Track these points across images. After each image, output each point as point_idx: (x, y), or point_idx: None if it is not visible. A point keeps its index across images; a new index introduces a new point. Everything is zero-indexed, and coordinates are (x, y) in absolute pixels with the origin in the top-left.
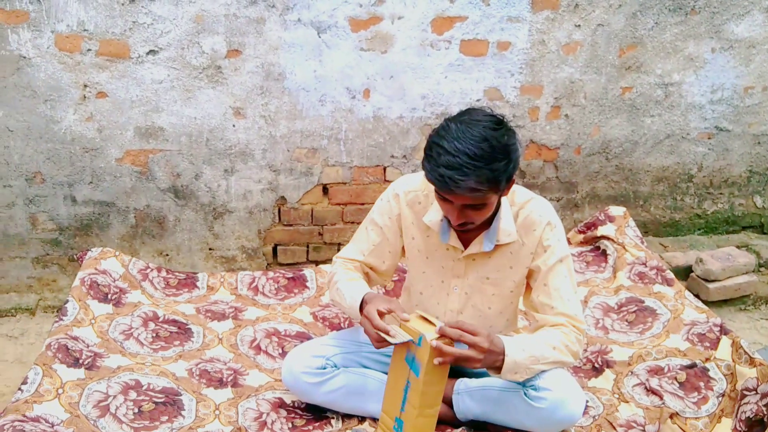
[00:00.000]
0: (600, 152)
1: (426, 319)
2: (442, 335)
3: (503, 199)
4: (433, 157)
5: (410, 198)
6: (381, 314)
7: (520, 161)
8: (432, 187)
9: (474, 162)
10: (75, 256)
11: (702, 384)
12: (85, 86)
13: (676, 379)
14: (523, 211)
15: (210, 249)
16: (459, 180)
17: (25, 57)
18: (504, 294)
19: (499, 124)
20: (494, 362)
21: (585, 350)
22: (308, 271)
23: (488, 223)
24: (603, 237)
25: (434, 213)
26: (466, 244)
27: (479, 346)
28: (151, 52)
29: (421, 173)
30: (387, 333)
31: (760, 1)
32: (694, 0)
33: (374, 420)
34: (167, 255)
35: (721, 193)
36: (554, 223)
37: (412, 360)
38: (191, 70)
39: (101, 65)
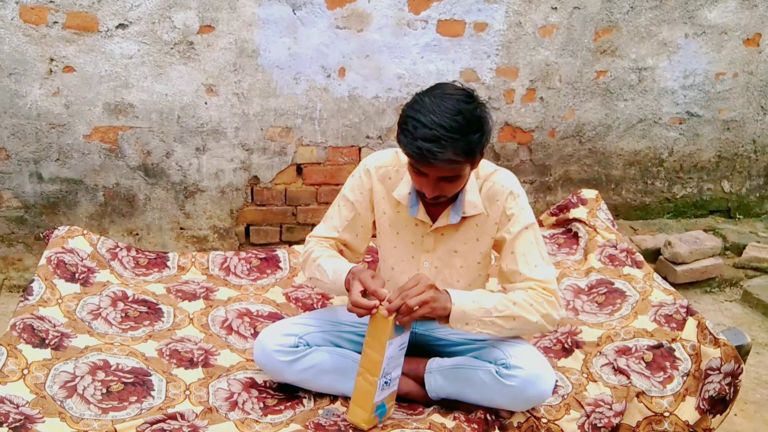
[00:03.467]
0: (574, 135)
1: None
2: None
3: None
4: (409, 131)
5: (381, 173)
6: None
7: (495, 143)
8: (402, 163)
9: (451, 134)
10: (41, 235)
11: (668, 364)
12: (52, 60)
13: (642, 359)
14: (487, 183)
15: (181, 228)
16: (437, 152)
17: None
18: (471, 266)
19: (470, 97)
20: (444, 310)
21: (555, 331)
22: (281, 252)
23: (454, 197)
24: (575, 219)
25: (403, 187)
26: (433, 218)
27: (421, 293)
28: (121, 26)
29: (391, 150)
30: (370, 308)
31: None
32: None
33: (346, 399)
34: (137, 234)
35: (690, 178)
36: (516, 192)
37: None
38: (162, 45)
39: (68, 38)
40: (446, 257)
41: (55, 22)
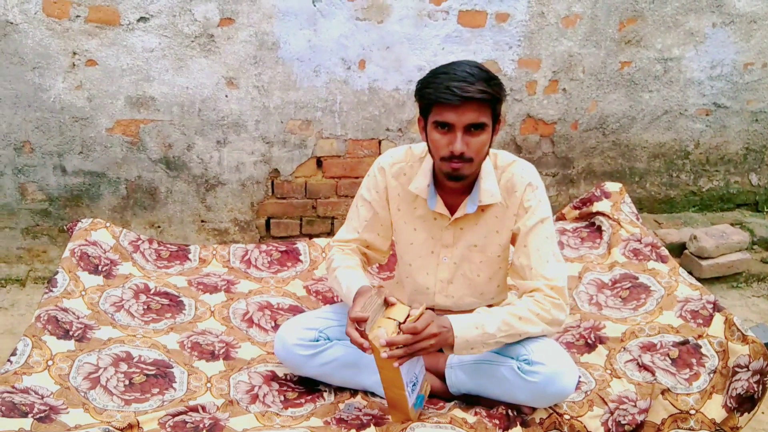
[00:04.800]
0: (597, 128)
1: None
2: (391, 343)
3: (486, 162)
4: (436, 82)
5: (395, 170)
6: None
7: (517, 135)
8: (416, 157)
9: (478, 73)
10: (65, 227)
11: (694, 360)
12: (74, 54)
13: (668, 355)
14: (506, 173)
15: (202, 221)
16: (468, 87)
17: (11, 23)
18: (492, 259)
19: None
20: (447, 341)
21: (578, 326)
22: (301, 245)
23: (470, 187)
24: (598, 213)
25: (420, 180)
26: (452, 212)
27: (428, 334)
28: (142, 19)
29: (404, 146)
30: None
31: None
32: None
33: (366, 393)
34: (159, 227)
35: (716, 171)
36: (535, 184)
37: None
38: (183, 38)
39: (90, 32)
40: (466, 252)
41: (78, 16)
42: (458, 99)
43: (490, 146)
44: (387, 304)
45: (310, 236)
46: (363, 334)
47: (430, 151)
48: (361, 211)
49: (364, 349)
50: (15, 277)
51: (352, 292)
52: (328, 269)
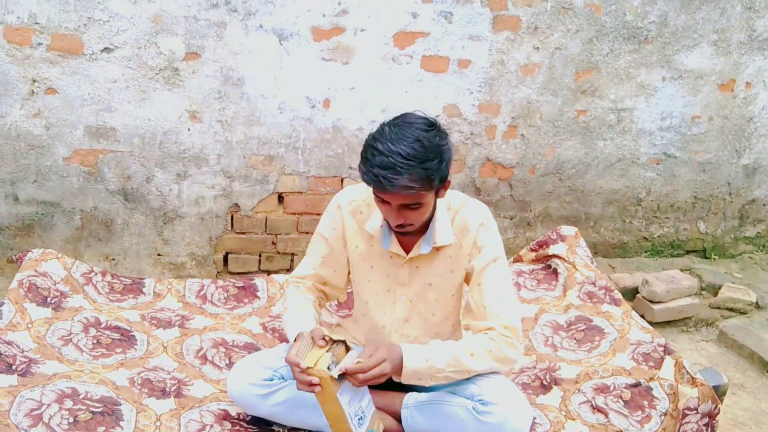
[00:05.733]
0: (554, 173)
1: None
2: (348, 373)
3: (439, 203)
4: (368, 159)
5: (352, 207)
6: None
7: (476, 178)
8: (372, 196)
9: (407, 161)
10: (14, 257)
11: (646, 402)
12: (34, 81)
13: (621, 397)
14: (459, 214)
15: (158, 255)
16: (392, 179)
17: None
18: (446, 299)
19: (431, 125)
20: (398, 369)
21: (534, 367)
22: (259, 281)
23: (425, 227)
24: (554, 256)
25: (375, 220)
26: (407, 251)
27: (381, 371)
28: (106, 49)
29: (363, 184)
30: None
31: (709, 35)
32: (647, 30)
33: None
34: (113, 259)
35: (667, 218)
36: (487, 224)
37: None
38: (147, 70)
39: (52, 60)
40: (421, 290)
41: (40, 44)
42: (383, 189)
43: (435, 204)
44: (326, 341)
45: (269, 272)
46: (305, 372)
47: None
48: (318, 247)
49: (312, 386)
50: None
51: (292, 339)
52: (283, 309)
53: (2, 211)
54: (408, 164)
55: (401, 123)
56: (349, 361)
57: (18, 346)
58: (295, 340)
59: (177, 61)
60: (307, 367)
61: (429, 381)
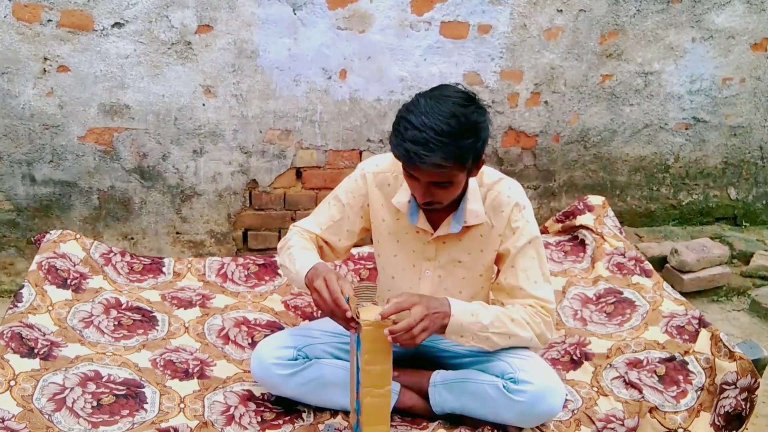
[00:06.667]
0: (578, 140)
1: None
2: (384, 317)
3: (471, 180)
4: (399, 132)
5: (379, 179)
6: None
7: (498, 147)
8: (401, 168)
9: (441, 138)
10: (33, 239)
11: (681, 377)
12: (46, 59)
13: (655, 372)
14: (492, 192)
15: (177, 233)
16: (424, 155)
17: None
18: (474, 278)
19: (469, 100)
20: (442, 323)
21: (563, 341)
22: (279, 243)
23: (456, 204)
24: (581, 226)
25: (402, 194)
26: (435, 226)
27: (416, 315)
28: (117, 24)
29: (390, 154)
30: (340, 306)
31: None
32: None
33: (347, 413)
34: (132, 239)
35: (696, 185)
36: (522, 204)
37: (357, 342)
38: (159, 45)
39: (63, 37)
40: (449, 266)
41: (50, 20)
42: (414, 166)
43: (467, 182)
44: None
45: None
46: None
47: None
48: (332, 210)
49: (347, 322)
50: None
51: (304, 269)
52: (282, 248)
53: (20, 192)
54: (441, 141)
55: (437, 95)
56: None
57: (39, 330)
58: (314, 271)
59: (189, 34)
60: (360, 319)
61: (470, 340)
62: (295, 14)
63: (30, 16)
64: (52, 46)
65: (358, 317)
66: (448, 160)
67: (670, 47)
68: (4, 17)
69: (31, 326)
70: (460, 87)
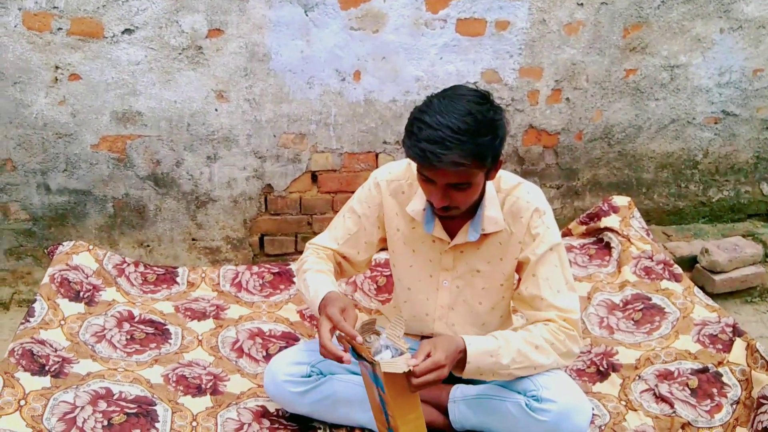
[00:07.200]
0: (602, 138)
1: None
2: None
3: (488, 186)
4: (414, 133)
5: (393, 187)
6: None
7: (519, 146)
8: (415, 176)
9: (458, 136)
10: (47, 250)
11: (715, 390)
12: (57, 68)
13: (687, 384)
14: (510, 197)
15: (193, 240)
16: (441, 154)
17: None
18: (494, 288)
19: (484, 98)
20: (459, 364)
21: (588, 351)
22: (295, 265)
23: (473, 211)
24: (607, 229)
25: (417, 202)
26: (451, 235)
27: (438, 365)
28: (127, 31)
29: (404, 161)
30: (339, 359)
31: None
32: None
33: (363, 430)
34: (148, 246)
35: (726, 180)
36: (543, 209)
37: (373, 375)
38: (170, 50)
39: (73, 45)
40: (467, 276)
41: (60, 29)
42: (430, 166)
43: (484, 186)
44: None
45: None
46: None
47: None
48: (347, 223)
49: (339, 358)
50: None
51: (318, 297)
52: (299, 270)
53: (35, 201)
54: (458, 139)
55: (451, 95)
56: (403, 361)
57: (51, 345)
58: (326, 302)
59: (200, 38)
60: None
61: (490, 377)
62: (306, 15)
63: (40, 24)
64: (63, 54)
65: (370, 358)
66: (465, 158)
67: (697, 39)
68: (15, 27)
69: (42, 342)
70: (471, 85)
